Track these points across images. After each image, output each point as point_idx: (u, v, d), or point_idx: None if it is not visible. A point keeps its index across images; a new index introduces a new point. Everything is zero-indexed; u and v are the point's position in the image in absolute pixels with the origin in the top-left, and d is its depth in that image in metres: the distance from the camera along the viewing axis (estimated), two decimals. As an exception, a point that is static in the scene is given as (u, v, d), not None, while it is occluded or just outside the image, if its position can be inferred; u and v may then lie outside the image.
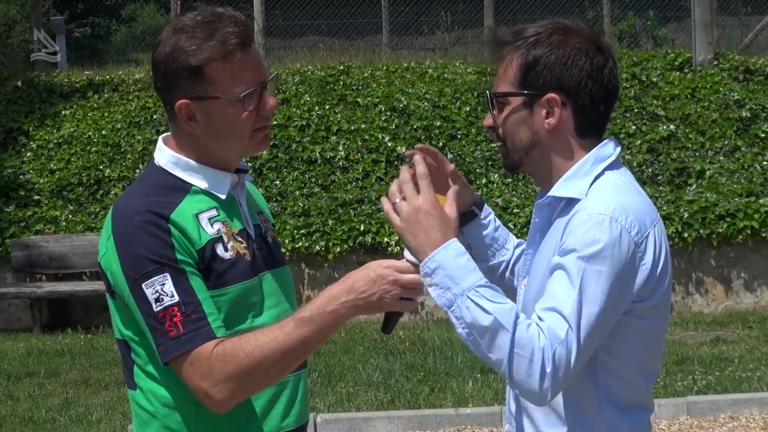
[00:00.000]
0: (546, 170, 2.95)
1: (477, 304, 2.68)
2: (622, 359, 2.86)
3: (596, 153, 2.92)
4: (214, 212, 2.98)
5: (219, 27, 2.90)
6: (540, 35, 2.89)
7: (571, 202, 2.89)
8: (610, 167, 2.92)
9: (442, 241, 2.74)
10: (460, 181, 3.23)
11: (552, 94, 2.87)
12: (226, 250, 2.95)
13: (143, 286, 2.84)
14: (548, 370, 2.67)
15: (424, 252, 2.74)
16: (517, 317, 2.68)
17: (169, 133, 3.08)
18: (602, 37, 2.95)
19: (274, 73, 3.05)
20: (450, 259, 2.72)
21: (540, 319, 2.72)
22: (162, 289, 2.83)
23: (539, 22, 2.96)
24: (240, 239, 3.00)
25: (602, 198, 2.83)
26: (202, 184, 3.00)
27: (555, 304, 2.72)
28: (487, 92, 2.97)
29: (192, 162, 3.00)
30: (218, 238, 2.95)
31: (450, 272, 2.71)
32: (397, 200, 2.80)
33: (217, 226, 2.97)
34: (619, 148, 2.97)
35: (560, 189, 2.91)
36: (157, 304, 2.83)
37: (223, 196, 3.01)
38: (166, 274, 2.83)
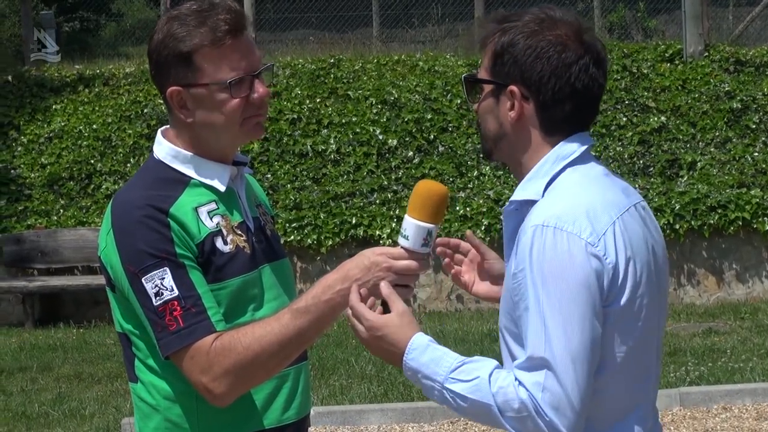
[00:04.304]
0: (515, 165, 2.83)
1: (454, 393, 2.64)
2: (599, 374, 2.66)
3: (557, 151, 2.76)
4: (213, 205, 2.98)
5: (211, 15, 2.92)
6: (516, 23, 2.77)
7: (531, 205, 2.74)
8: (572, 164, 2.75)
9: (402, 349, 2.69)
10: (487, 252, 3.18)
11: (513, 87, 2.73)
12: (225, 243, 2.95)
13: (143, 280, 2.84)
14: (548, 417, 2.58)
15: (397, 364, 2.71)
16: (492, 385, 2.61)
17: (166, 126, 3.09)
18: (587, 31, 2.77)
19: (269, 64, 3.06)
20: (417, 361, 2.68)
21: (517, 377, 2.61)
22: (162, 284, 2.83)
23: (528, 9, 2.84)
24: (239, 232, 3.00)
25: (553, 202, 2.68)
26: (202, 177, 3.00)
27: (528, 351, 2.60)
28: (462, 76, 2.88)
29: (191, 154, 3.00)
30: (218, 232, 2.95)
31: (424, 373, 2.67)
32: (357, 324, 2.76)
33: (217, 219, 2.97)
34: (585, 146, 2.78)
35: (520, 192, 2.77)
36: (157, 298, 2.83)
37: (222, 189, 3.01)
38: (165, 268, 2.84)
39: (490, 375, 2.63)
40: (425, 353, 2.68)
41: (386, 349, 2.72)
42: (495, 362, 2.67)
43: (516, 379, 2.61)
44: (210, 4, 2.95)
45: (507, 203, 2.80)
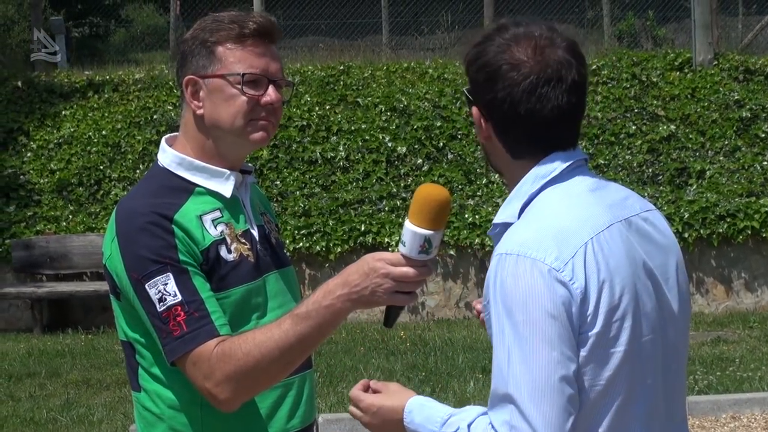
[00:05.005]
0: (507, 182, 2.71)
1: None
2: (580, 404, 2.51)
3: (536, 171, 2.62)
4: (217, 213, 2.99)
5: (245, 18, 3.02)
6: (486, 41, 2.64)
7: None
8: (552, 183, 2.61)
9: (401, 415, 2.69)
10: None
11: (475, 107, 2.64)
12: (229, 251, 2.96)
13: (146, 286, 2.84)
14: None
15: None
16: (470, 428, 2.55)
17: (171, 134, 3.12)
18: (551, 44, 2.60)
19: (291, 82, 3.13)
20: (413, 423, 2.66)
21: (490, 419, 2.51)
22: (165, 289, 2.83)
23: (497, 21, 2.72)
24: (243, 241, 3.00)
25: (522, 227, 2.55)
26: (207, 184, 3.00)
27: (493, 387, 2.50)
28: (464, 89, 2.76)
29: (196, 161, 3.02)
30: (221, 240, 2.95)
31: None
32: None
33: (221, 227, 2.97)
34: (568, 163, 2.63)
35: (500, 214, 2.66)
36: (161, 304, 2.83)
37: (228, 195, 3.02)
38: (168, 273, 2.84)
39: (470, 424, 2.55)
40: (420, 413, 2.65)
41: (388, 420, 2.71)
42: (481, 409, 2.58)
43: (489, 422, 2.50)
44: (248, 12, 3.06)
45: (491, 226, 2.71)
